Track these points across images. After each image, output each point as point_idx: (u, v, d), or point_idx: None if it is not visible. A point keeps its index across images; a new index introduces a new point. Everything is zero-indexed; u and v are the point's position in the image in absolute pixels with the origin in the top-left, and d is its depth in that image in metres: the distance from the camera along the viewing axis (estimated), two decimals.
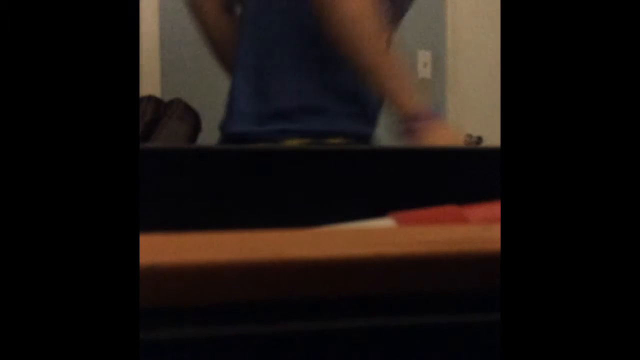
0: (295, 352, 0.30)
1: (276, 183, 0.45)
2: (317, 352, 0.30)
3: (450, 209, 0.40)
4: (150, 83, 1.95)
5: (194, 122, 1.68)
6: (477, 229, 0.32)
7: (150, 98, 1.64)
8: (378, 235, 0.32)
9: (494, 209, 0.40)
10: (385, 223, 0.39)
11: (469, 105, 2.58)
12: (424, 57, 2.47)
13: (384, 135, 2.03)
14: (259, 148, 0.46)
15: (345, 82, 1.13)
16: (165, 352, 0.29)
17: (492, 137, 2.54)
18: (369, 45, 1.01)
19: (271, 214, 0.45)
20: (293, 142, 1.09)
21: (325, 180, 0.46)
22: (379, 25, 1.01)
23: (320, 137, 1.12)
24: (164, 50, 2.01)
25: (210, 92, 1.83)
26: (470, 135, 2.58)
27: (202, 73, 1.84)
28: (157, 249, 0.29)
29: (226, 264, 0.29)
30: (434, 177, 0.48)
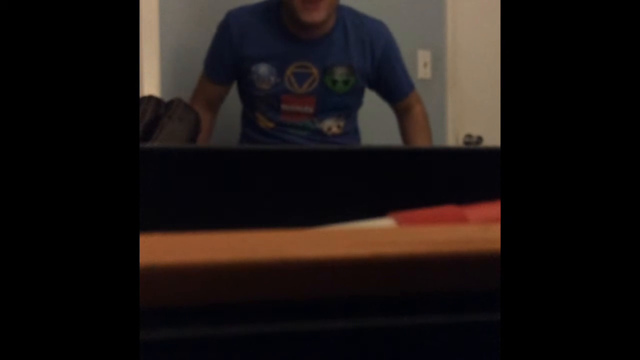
0: (295, 352, 0.30)
1: (276, 183, 0.45)
2: (317, 352, 0.30)
3: (450, 209, 0.40)
4: (150, 83, 1.95)
5: (194, 122, 1.68)
6: (477, 229, 0.32)
7: (150, 98, 1.64)
8: (378, 235, 0.32)
9: (494, 209, 0.40)
10: (385, 223, 0.39)
11: (469, 105, 2.58)
12: (424, 57, 2.47)
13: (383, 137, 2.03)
14: (259, 148, 0.46)
15: None
16: (165, 352, 0.29)
17: (492, 137, 2.53)
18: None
19: (271, 214, 0.45)
20: None
21: (325, 180, 0.46)
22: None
23: None
24: (164, 50, 2.01)
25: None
26: (470, 135, 2.58)
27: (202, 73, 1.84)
28: (157, 249, 0.29)
29: (226, 264, 0.29)
30: (434, 177, 0.48)
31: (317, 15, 1.65)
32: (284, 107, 1.76)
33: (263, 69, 1.73)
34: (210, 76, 1.81)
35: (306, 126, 1.79)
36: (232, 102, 1.86)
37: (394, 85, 1.87)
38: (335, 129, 1.81)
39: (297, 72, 1.74)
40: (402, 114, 1.93)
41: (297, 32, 1.72)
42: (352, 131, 1.87)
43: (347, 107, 1.82)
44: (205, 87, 1.82)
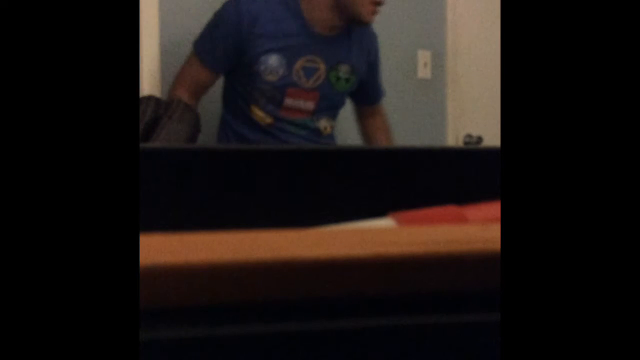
0: (295, 352, 0.30)
1: (276, 183, 0.45)
2: (317, 352, 0.30)
3: (450, 209, 0.40)
4: (150, 83, 1.95)
5: (194, 123, 1.68)
6: (477, 229, 0.32)
7: (150, 98, 1.64)
8: (378, 235, 0.32)
9: (494, 209, 0.40)
10: (385, 223, 0.39)
11: (469, 105, 2.58)
12: (424, 57, 2.47)
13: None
14: (259, 148, 0.46)
15: None
16: (165, 352, 0.29)
17: (492, 137, 2.53)
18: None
19: (271, 214, 0.45)
20: None
21: (325, 180, 0.46)
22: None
23: None
24: (164, 50, 2.01)
25: (210, 92, 1.83)
26: (470, 135, 2.58)
27: None
28: (157, 249, 0.29)
29: (226, 264, 0.29)
30: (434, 177, 0.48)
31: (375, 17, 1.71)
32: (287, 101, 1.73)
33: (273, 59, 1.69)
34: (205, 62, 1.71)
35: (305, 124, 1.78)
36: (219, 95, 1.84)
37: (373, 90, 1.94)
38: (328, 129, 1.82)
39: (306, 66, 1.73)
40: (369, 116, 1.99)
41: (317, 27, 1.70)
42: (334, 132, 1.89)
43: (339, 107, 1.85)
44: (194, 72, 1.72)
